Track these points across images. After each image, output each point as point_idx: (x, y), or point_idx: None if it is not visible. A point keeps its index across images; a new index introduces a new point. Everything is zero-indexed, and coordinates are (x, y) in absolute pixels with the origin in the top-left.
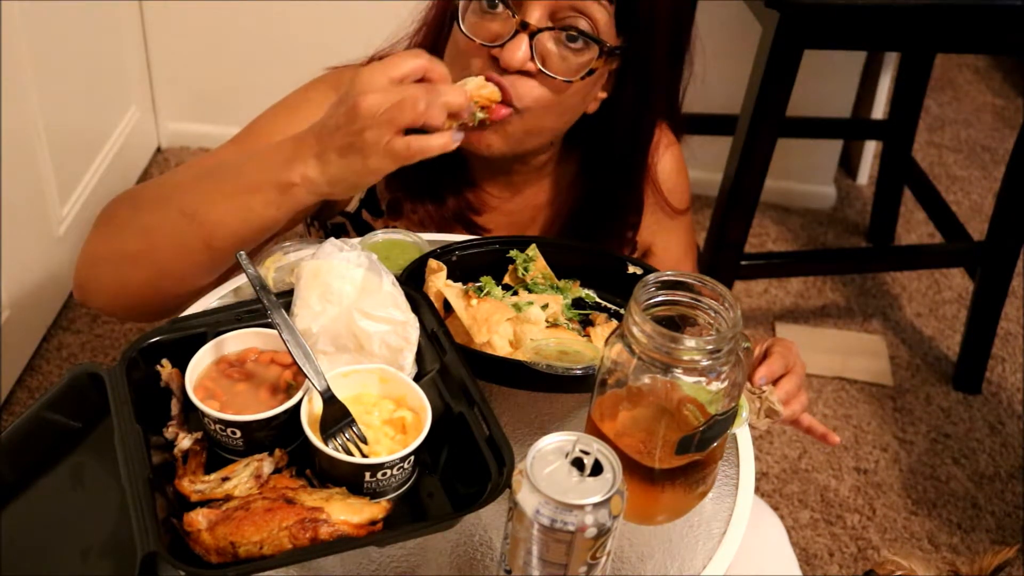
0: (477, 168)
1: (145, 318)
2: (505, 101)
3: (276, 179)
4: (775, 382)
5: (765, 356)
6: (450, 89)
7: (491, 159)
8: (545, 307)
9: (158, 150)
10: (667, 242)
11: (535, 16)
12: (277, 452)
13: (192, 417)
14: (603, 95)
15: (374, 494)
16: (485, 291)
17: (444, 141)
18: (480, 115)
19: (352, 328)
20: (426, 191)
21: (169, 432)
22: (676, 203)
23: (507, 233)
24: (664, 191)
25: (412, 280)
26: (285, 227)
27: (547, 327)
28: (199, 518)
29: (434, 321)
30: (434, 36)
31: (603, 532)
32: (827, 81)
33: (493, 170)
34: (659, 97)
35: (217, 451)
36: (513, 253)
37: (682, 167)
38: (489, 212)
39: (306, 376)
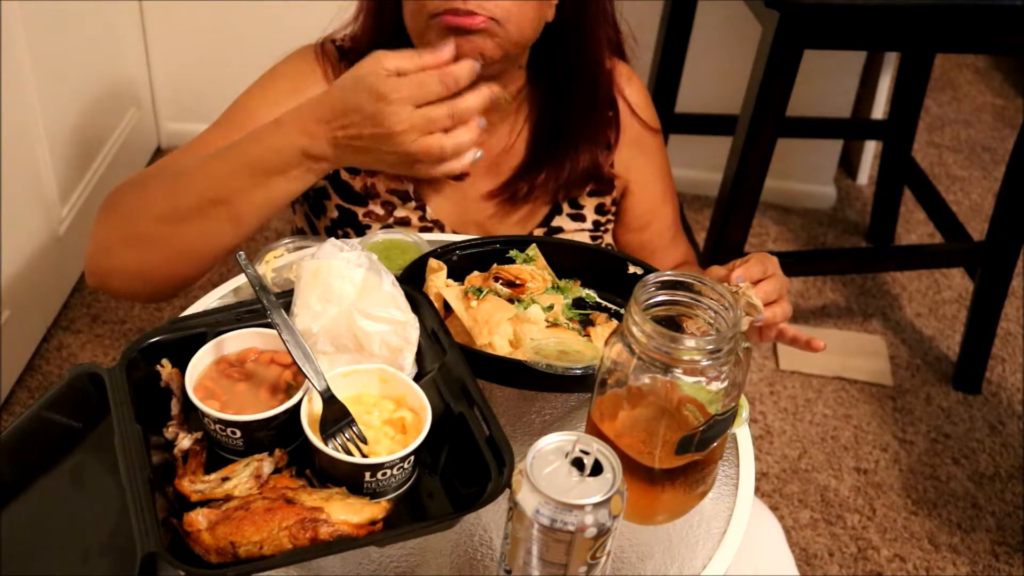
0: None
1: (162, 297)
2: (481, 14)
3: (296, 160)
4: (755, 285)
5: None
6: (469, 97)
7: (477, 79)
8: (550, 308)
9: (158, 150)
10: (644, 180)
11: None
12: (277, 452)
13: (192, 417)
14: (555, 0)
15: (374, 494)
16: (484, 294)
17: (462, 165)
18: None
19: (352, 328)
20: None
21: (169, 432)
22: (653, 126)
23: (482, 173)
24: (641, 116)
25: (412, 280)
26: None
27: (547, 327)
28: (199, 518)
29: (434, 321)
30: (378, 4)
31: (603, 532)
32: (827, 81)
33: None
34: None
35: (217, 451)
36: (513, 253)
37: (648, 96)
38: None
39: (306, 376)
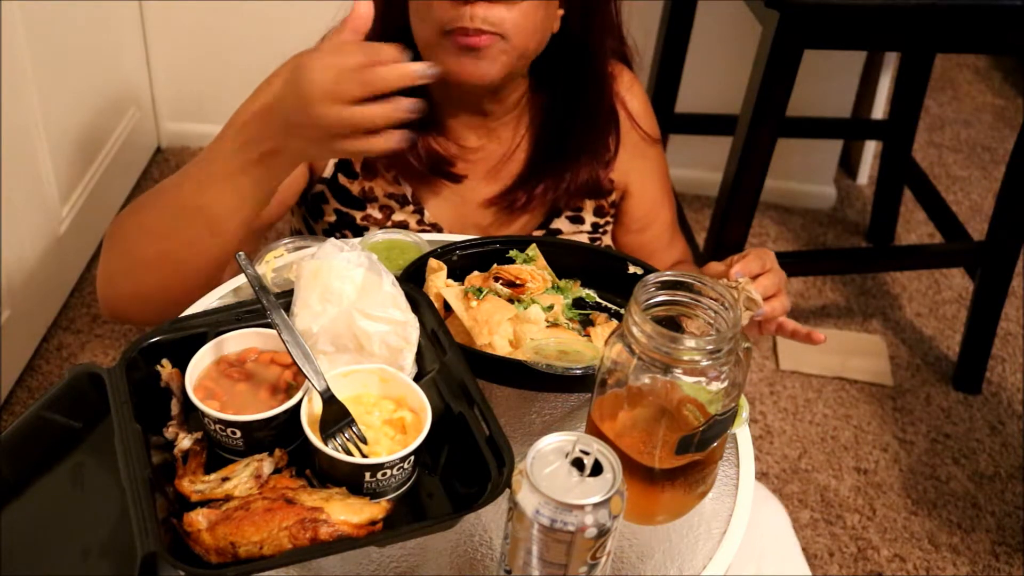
0: (449, 116)
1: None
2: (488, 32)
3: (253, 159)
4: (753, 280)
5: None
6: (384, 69)
7: (479, 89)
8: (550, 308)
9: (158, 150)
10: (643, 183)
11: None
12: (277, 452)
13: (192, 417)
14: (561, 12)
15: (374, 494)
16: (484, 294)
17: (388, 143)
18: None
19: (352, 328)
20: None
21: (169, 432)
22: (652, 135)
23: (482, 177)
24: (640, 125)
25: (412, 280)
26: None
27: (547, 327)
28: (199, 518)
29: (434, 321)
30: (385, 6)
31: (603, 532)
32: (827, 81)
33: (467, 115)
34: (603, 5)
35: (217, 451)
36: (513, 253)
37: (648, 103)
38: (464, 160)
39: (306, 376)
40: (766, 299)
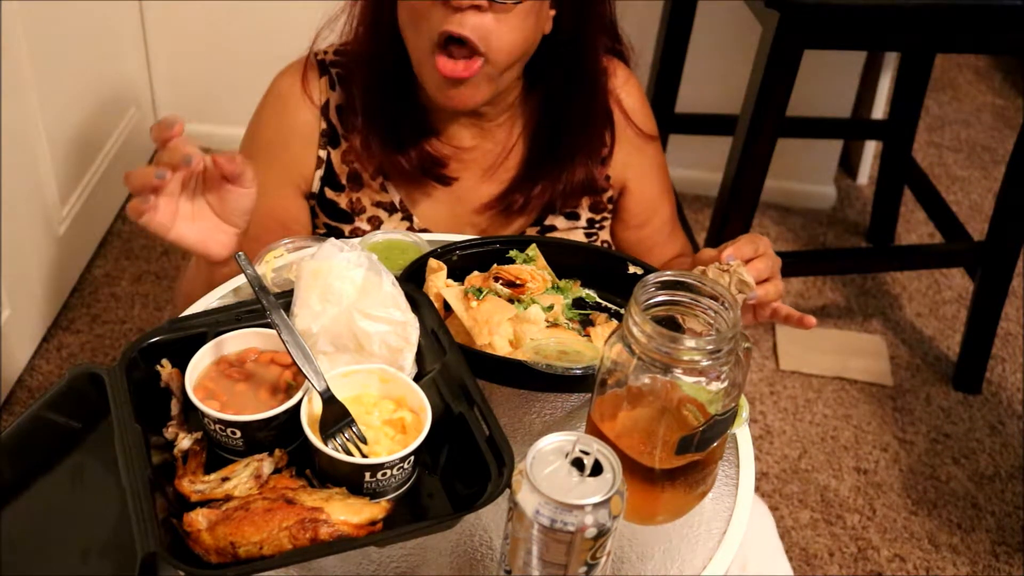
0: (443, 117)
1: None
2: (472, 49)
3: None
4: (746, 264)
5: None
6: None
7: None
8: (550, 308)
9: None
10: (641, 179)
11: None
12: (277, 452)
13: (192, 417)
14: (553, 12)
15: (374, 494)
16: (484, 294)
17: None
18: None
19: (352, 328)
20: (389, 147)
21: (169, 432)
22: (648, 131)
23: (478, 178)
24: (636, 121)
25: (412, 280)
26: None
27: (547, 327)
28: (199, 518)
29: (434, 321)
30: (375, 7)
31: (603, 532)
32: (827, 81)
33: (461, 116)
34: (596, 3)
35: (217, 451)
36: (513, 253)
37: (644, 98)
38: (458, 161)
39: (306, 376)
40: (759, 283)
